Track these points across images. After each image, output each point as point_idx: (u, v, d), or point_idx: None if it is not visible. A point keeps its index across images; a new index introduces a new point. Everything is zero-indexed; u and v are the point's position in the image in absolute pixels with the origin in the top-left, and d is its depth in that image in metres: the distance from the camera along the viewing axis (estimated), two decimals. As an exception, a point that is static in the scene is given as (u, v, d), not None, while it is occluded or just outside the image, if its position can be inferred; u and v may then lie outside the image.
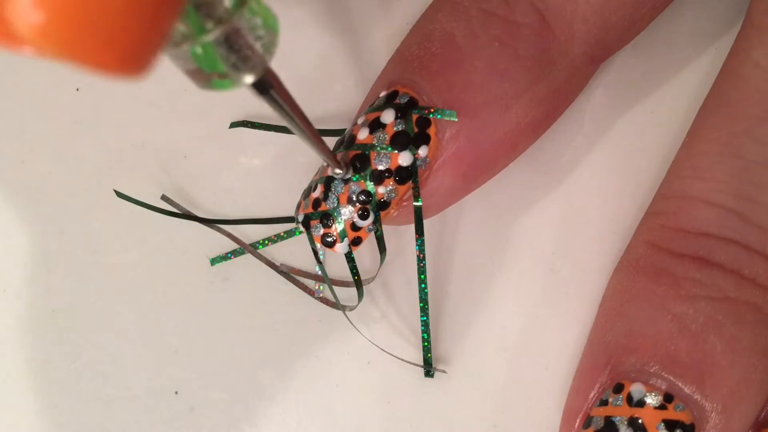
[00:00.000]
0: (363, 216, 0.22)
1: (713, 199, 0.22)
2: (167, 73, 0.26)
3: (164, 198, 0.26)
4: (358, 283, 0.24)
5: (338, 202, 0.22)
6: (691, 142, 0.23)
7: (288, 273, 0.26)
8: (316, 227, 0.23)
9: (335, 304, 0.25)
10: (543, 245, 0.26)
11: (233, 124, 0.26)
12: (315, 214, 0.23)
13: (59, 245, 0.26)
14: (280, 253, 0.26)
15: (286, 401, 0.25)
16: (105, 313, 0.26)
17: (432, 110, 0.22)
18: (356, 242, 0.23)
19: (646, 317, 0.22)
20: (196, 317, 0.26)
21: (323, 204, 0.22)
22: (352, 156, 0.22)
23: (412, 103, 0.22)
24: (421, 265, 0.23)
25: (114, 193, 0.26)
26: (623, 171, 0.26)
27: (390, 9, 0.26)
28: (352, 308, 0.25)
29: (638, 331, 0.22)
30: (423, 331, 0.24)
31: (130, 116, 0.26)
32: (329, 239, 0.23)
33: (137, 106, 0.26)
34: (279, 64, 0.26)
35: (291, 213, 0.26)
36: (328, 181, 0.22)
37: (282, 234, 0.26)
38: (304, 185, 0.25)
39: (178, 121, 0.26)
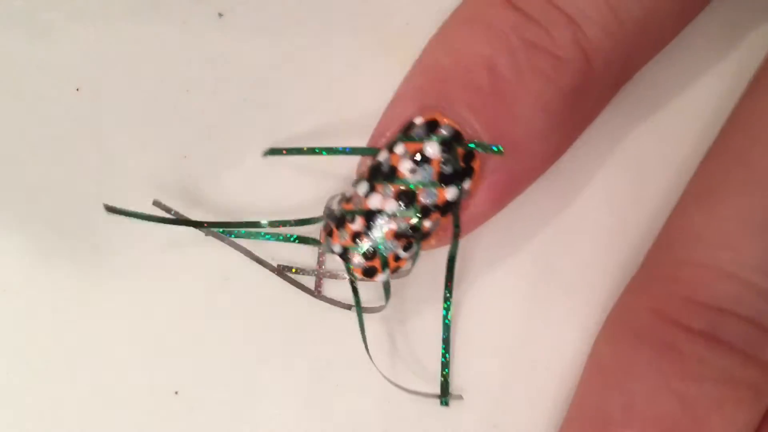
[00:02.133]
0: (407, 248, 0.22)
1: (736, 272, 0.21)
2: (167, 72, 0.27)
3: (156, 203, 0.25)
4: (387, 288, 0.24)
5: (383, 237, 0.22)
6: (712, 204, 0.22)
7: (286, 274, 0.26)
8: (357, 260, 0.23)
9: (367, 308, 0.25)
10: (543, 245, 0.26)
11: (267, 152, 0.24)
12: (357, 248, 0.22)
13: (59, 245, 0.26)
14: (279, 252, 0.26)
15: (286, 401, 0.25)
16: (105, 313, 0.26)
17: (477, 144, 0.22)
18: (394, 270, 0.23)
19: (648, 394, 0.21)
20: (196, 317, 0.26)
21: (364, 237, 0.22)
22: (397, 191, 0.22)
23: (458, 137, 0.22)
24: (446, 302, 0.24)
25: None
26: (623, 171, 0.26)
27: (390, 9, 0.26)
28: (378, 310, 0.25)
29: (638, 408, 0.21)
30: (443, 365, 0.24)
31: (130, 116, 0.26)
32: (370, 271, 0.23)
33: (137, 106, 0.26)
34: (279, 64, 0.27)
35: (291, 213, 0.26)
36: (370, 215, 0.22)
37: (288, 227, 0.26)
38: (304, 185, 0.25)
39: (178, 121, 0.26)
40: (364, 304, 0.25)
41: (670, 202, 0.24)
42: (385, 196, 0.22)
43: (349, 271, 0.23)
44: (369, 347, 0.25)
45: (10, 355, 0.26)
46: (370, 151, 0.23)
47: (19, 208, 0.26)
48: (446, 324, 0.24)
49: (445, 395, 0.24)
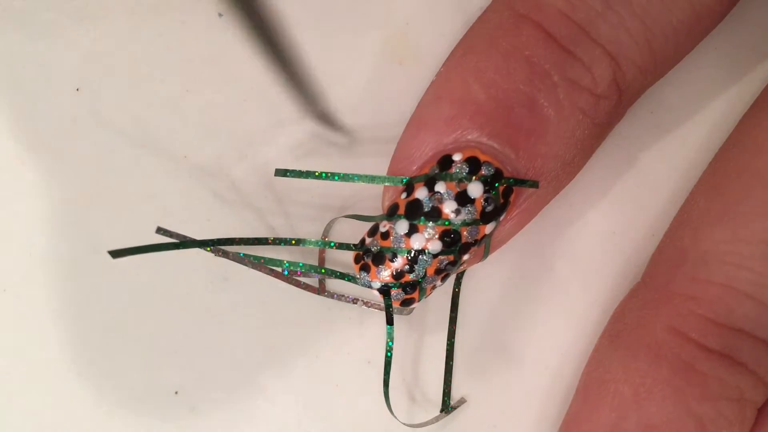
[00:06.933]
0: (444, 279, 0.23)
1: (755, 293, 0.21)
2: (167, 72, 0.27)
3: (160, 230, 0.24)
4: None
5: (425, 274, 0.22)
6: (733, 224, 0.22)
7: (291, 277, 0.25)
8: (397, 294, 0.22)
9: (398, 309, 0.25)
10: (543, 245, 0.26)
11: (277, 172, 0.23)
12: (398, 285, 0.22)
13: (59, 245, 0.26)
14: (278, 253, 0.26)
15: (286, 401, 0.25)
16: (105, 313, 0.26)
17: (516, 180, 0.22)
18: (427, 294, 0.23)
19: (667, 415, 0.21)
20: (196, 317, 0.26)
21: (407, 276, 0.22)
22: (442, 231, 0.22)
23: (499, 176, 0.22)
24: (452, 328, 0.24)
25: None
26: (623, 171, 0.26)
27: (390, 9, 0.26)
28: (406, 312, 0.25)
29: (657, 430, 0.22)
30: (446, 380, 0.25)
31: (130, 116, 0.26)
32: (408, 302, 0.23)
33: (137, 106, 0.26)
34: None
35: (291, 212, 0.26)
36: (413, 254, 0.22)
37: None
38: (305, 185, 0.25)
39: (178, 120, 0.26)
40: (368, 301, 0.25)
41: (673, 204, 0.24)
42: (427, 235, 0.22)
43: (387, 303, 0.23)
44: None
45: (10, 355, 0.26)
46: (397, 181, 0.23)
47: (19, 208, 0.26)
48: (450, 342, 0.25)
49: (447, 404, 0.25)
